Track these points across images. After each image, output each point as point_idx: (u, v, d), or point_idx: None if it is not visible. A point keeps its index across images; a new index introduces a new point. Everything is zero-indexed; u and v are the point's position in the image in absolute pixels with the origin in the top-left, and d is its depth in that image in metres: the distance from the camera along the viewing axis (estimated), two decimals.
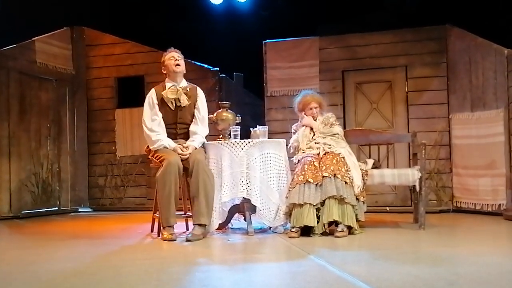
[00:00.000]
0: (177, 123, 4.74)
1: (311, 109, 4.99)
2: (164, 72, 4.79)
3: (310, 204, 4.38)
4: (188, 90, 4.74)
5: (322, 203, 4.41)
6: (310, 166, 4.52)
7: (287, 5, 7.57)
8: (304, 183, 4.44)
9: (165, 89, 4.72)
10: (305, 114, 5.00)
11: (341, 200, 4.39)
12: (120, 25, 7.72)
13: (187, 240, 4.29)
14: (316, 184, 4.44)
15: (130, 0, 7.76)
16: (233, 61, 7.71)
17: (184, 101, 4.69)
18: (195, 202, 4.45)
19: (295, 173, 4.60)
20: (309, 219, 4.37)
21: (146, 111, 4.72)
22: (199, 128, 4.75)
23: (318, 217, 4.42)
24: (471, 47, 6.09)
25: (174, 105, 4.69)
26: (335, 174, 4.43)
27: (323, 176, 4.44)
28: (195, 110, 4.77)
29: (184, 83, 4.80)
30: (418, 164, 4.88)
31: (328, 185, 4.39)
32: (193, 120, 4.78)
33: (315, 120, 4.97)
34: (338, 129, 4.94)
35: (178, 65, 4.72)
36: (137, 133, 7.25)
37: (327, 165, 4.50)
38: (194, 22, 7.75)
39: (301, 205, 4.40)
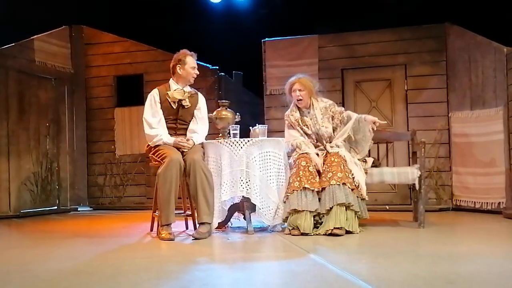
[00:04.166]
0: (178, 119, 4.76)
1: (294, 91, 4.79)
2: (179, 72, 4.74)
3: (308, 211, 4.38)
4: (193, 94, 4.80)
5: (329, 210, 4.37)
6: (305, 172, 4.48)
7: (286, 3, 7.55)
8: (301, 190, 4.42)
9: (170, 89, 4.74)
10: (292, 97, 4.82)
11: (347, 207, 4.38)
12: (119, 24, 7.71)
13: (194, 238, 4.30)
14: (313, 191, 4.42)
15: None
16: (232, 60, 7.70)
17: (187, 103, 4.73)
18: (196, 202, 4.47)
19: (291, 176, 4.57)
20: (306, 226, 4.36)
21: (147, 108, 4.74)
22: (198, 127, 4.77)
23: (315, 223, 4.42)
24: (471, 46, 6.09)
25: (177, 104, 4.71)
26: (344, 183, 4.39)
27: (331, 184, 4.38)
28: (196, 111, 4.80)
29: (188, 88, 4.83)
30: (418, 163, 4.88)
31: (338, 192, 4.35)
32: (193, 119, 4.79)
33: (311, 104, 4.80)
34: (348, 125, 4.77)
35: (196, 75, 4.80)
36: (136, 132, 7.24)
37: (334, 172, 4.44)
38: (193, 21, 7.73)
39: (299, 211, 4.40)
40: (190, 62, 4.75)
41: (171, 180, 4.36)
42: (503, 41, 5.73)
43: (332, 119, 4.82)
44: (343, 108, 4.97)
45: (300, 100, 4.79)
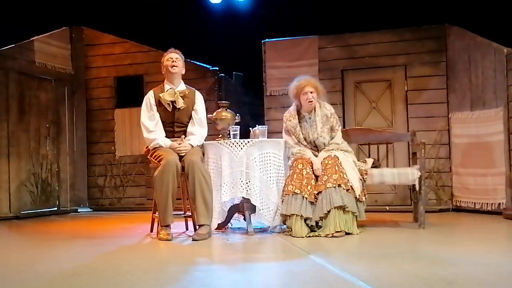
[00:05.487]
0: (175, 122, 4.75)
1: (305, 93, 4.62)
2: (163, 72, 4.80)
3: (298, 215, 4.36)
4: (186, 93, 4.74)
5: (327, 213, 4.36)
6: (300, 176, 4.45)
7: (286, 4, 7.55)
8: (292, 194, 4.41)
9: (163, 91, 4.73)
10: (300, 100, 4.69)
11: (343, 209, 4.37)
12: (119, 25, 7.71)
13: (193, 240, 4.30)
14: (306, 198, 4.38)
15: (129, 0, 7.75)
16: (232, 61, 7.70)
17: (180, 103, 4.69)
18: (194, 203, 4.47)
19: (286, 178, 4.55)
20: (297, 230, 4.34)
21: (143, 112, 4.75)
22: (196, 129, 4.74)
23: (311, 226, 4.41)
24: (471, 46, 6.09)
25: (171, 106, 4.70)
26: (339, 184, 4.38)
27: (327, 187, 4.36)
28: (193, 112, 4.77)
29: (182, 86, 4.80)
30: (418, 163, 4.87)
31: (334, 195, 4.34)
32: (190, 121, 4.78)
33: (313, 108, 4.70)
34: (346, 146, 4.78)
35: (175, 66, 4.72)
36: (136, 133, 7.23)
37: (329, 174, 4.43)
38: (193, 22, 7.73)
39: (289, 215, 4.40)
40: (166, 57, 4.77)
41: (167, 182, 4.36)
42: (503, 41, 5.73)
43: (331, 130, 4.75)
44: (339, 124, 4.84)
45: (311, 102, 4.66)
